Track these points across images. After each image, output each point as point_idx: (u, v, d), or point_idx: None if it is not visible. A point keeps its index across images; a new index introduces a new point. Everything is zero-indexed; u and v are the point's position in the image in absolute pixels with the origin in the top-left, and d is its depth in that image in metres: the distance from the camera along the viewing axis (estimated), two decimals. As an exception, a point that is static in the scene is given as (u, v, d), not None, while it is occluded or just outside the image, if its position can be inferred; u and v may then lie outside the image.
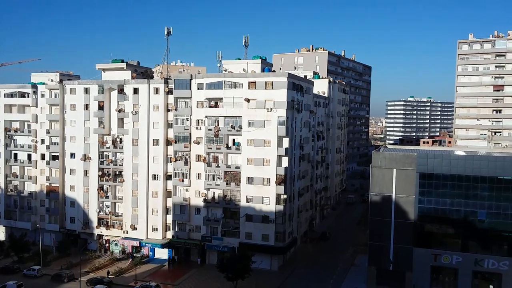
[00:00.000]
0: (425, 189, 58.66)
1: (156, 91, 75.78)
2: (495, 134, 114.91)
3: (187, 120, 73.62)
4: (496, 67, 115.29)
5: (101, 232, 79.69)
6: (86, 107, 79.88)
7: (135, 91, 76.75)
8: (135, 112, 76.68)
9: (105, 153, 79.41)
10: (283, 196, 69.10)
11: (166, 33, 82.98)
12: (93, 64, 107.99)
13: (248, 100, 69.48)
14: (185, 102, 73.90)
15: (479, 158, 58.69)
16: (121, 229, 78.02)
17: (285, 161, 69.51)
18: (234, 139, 71.62)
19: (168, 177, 76.15)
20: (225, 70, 76.13)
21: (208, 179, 72.43)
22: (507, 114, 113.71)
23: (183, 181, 74.04)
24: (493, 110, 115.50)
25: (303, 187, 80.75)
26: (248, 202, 70.19)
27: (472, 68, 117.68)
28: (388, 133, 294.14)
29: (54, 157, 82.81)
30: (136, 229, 77.18)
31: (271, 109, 68.33)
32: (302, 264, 72.72)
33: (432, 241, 59.53)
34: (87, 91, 79.64)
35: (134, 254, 74.45)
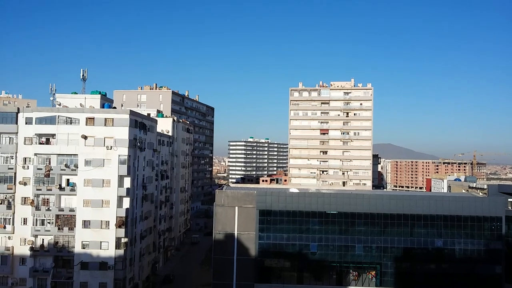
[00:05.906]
0: (264, 225, 61.50)
1: (-27, 124, 66.01)
2: (322, 172, 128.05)
3: (12, 158, 65.33)
4: (322, 113, 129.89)
5: None
6: None
7: None
8: None
9: None
10: (124, 240, 65.16)
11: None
12: None
13: (85, 137, 64.92)
14: (10, 138, 65.74)
15: (309, 194, 64.28)
16: None
17: (126, 202, 66.13)
18: (68, 179, 65.64)
19: (-15, 224, 65.69)
20: (59, 104, 70.30)
21: (36, 224, 64.56)
22: (332, 155, 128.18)
23: (5, 227, 64.69)
24: (320, 151, 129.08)
25: (146, 229, 77.51)
26: (84, 248, 64.32)
27: (302, 113, 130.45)
28: (231, 172, 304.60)
29: None
30: None
31: (111, 147, 64.92)
32: (144, 311, 68.74)
33: (272, 275, 62.16)
34: None
35: None
